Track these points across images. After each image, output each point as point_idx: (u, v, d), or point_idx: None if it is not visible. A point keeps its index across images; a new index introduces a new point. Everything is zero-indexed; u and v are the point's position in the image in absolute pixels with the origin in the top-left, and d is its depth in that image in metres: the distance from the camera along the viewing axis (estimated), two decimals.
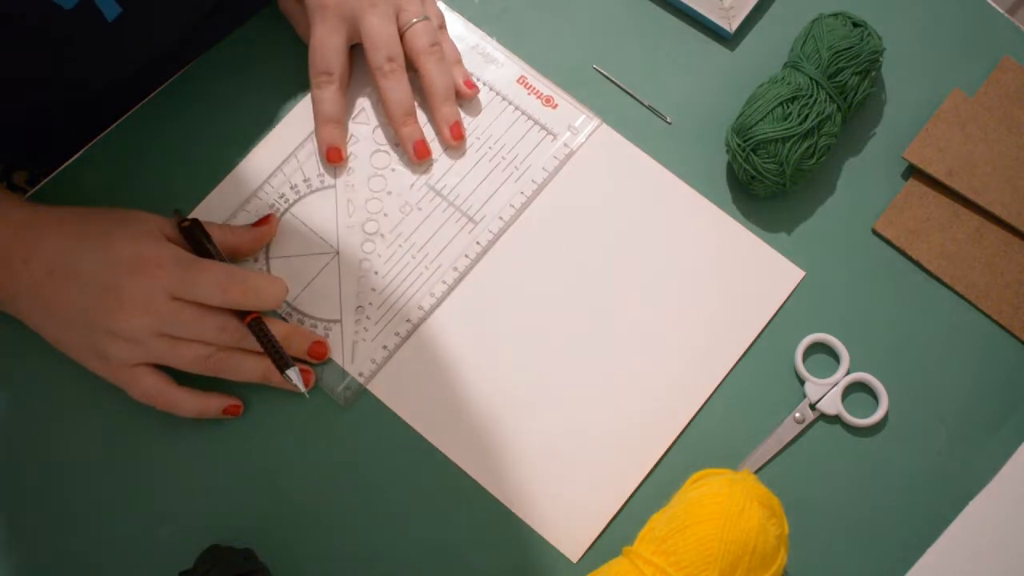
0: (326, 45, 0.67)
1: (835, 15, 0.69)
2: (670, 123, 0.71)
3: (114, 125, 0.70)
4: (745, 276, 0.68)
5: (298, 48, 0.70)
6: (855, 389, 0.66)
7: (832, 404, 0.65)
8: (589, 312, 0.67)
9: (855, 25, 0.69)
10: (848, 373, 0.66)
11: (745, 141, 0.66)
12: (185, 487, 0.63)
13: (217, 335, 0.61)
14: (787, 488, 0.61)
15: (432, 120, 0.70)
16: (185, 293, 0.60)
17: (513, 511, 0.63)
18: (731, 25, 0.72)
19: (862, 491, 0.64)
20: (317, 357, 0.64)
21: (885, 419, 0.65)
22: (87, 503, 0.63)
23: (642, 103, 0.72)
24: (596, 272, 0.68)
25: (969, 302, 0.68)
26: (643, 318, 0.67)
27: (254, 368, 0.63)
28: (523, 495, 0.63)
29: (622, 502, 0.63)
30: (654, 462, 0.64)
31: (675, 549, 0.56)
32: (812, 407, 0.65)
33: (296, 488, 0.63)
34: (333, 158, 0.68)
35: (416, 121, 0.69)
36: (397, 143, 0.70)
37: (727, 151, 0.68)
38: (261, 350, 0.62)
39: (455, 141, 0.69)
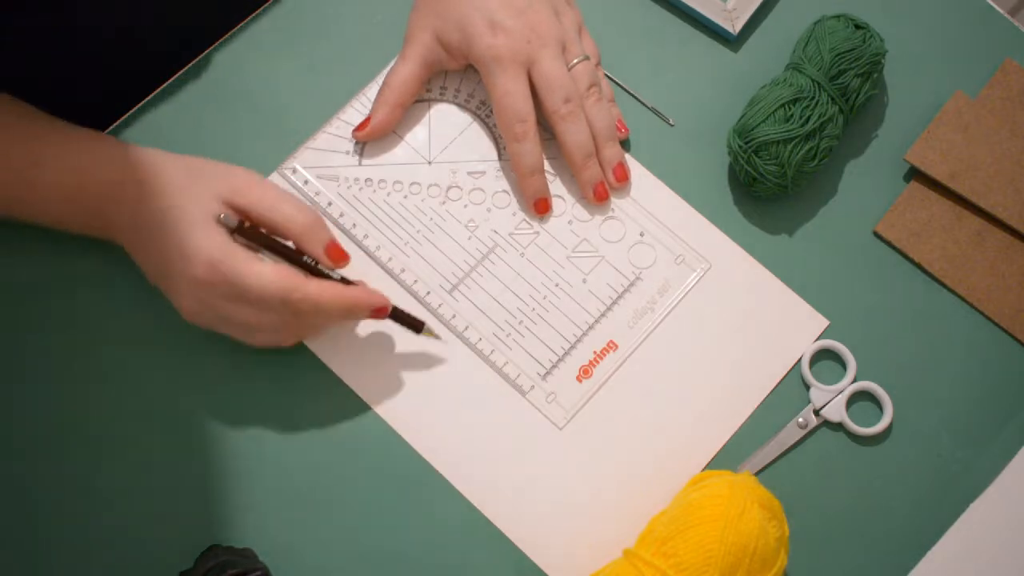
0: (514, 93, 0.65)
1: (837, 17, 0.69)
2: (673, 125, 0.71)
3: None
4: (768, 323, 0.67)
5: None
6: (860, 397, 0.66)
7: (836, 411, 0.65)
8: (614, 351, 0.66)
9: (857, 27, 0.69)
10: (855, 381, 0.66)
11: (747, 143, 0.66)
12: (185, 487, 0.63)
13: (283, 320, 0.61)
14: (788, 490, 0.61)
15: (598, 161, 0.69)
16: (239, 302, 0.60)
17: (512, 541, 0.63)
18: (734, 27, 0.72)
19: (863, 493, 0.64)
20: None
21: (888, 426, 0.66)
22: (87, 503, 0.63)
23: (645, 105, 0.72)
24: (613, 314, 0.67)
25: (971, 305, 0.68)
26: (660, 362, 0.66)
27: (328, 327, 0.64)
28: (529, 529, 0.63)
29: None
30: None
31: (675, 551, 0.56)
32: (816, 413, 0.65)
33: (296, 488, 0.63)
34: (542, 209, 0.68)
35: (596, 162, 0.68)
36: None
37: (729, 153, 0.68)
38: (322, 319, 0.63)
39: (619, 183, 0.68)
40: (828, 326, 0.67)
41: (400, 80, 0.68)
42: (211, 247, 0.58)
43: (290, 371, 0.65)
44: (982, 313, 0.68)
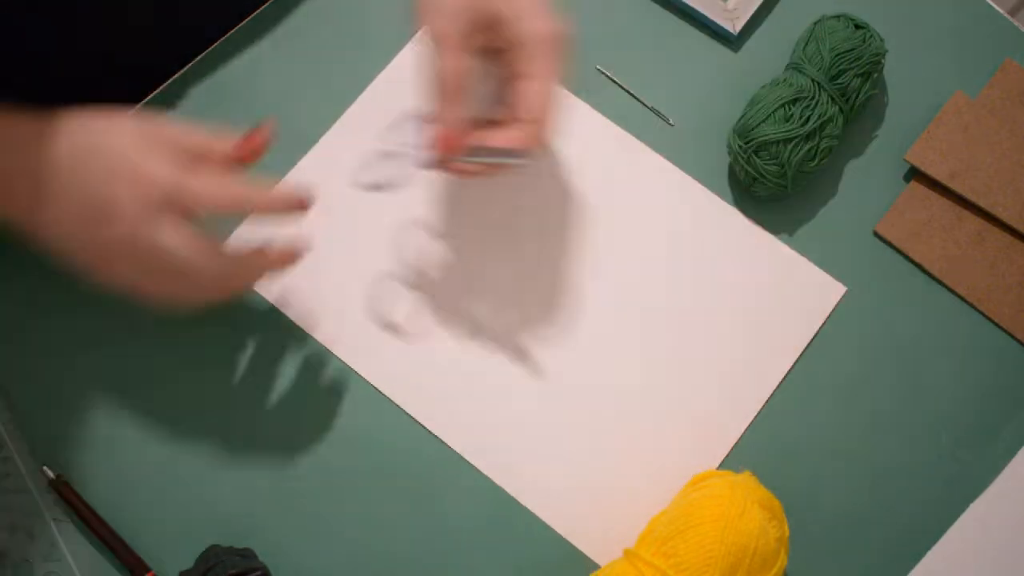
0: None
1: (837, 17, 0.69)
2: (673, 125, 0.71)
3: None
4: (786, 293, 0.67)
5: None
6: (857, 392, 0.66)
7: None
8: (627, 331, 0.67)
9: (857, 27, 0.69)
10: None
11: (747, 143, 0.66)
12: (185, 487, 0.63)
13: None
14: (788, 490, 0.61)
15: None
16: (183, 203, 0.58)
17: (538, 515, 0.63)
18: (735, 27, 0.72)
19: (863, 494, 0.64)
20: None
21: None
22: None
23: (645, 105, 0.72)
24: (631, 289, 0.67)
25: (970, 304, 0.68)
26: (683, 337, 0.67)
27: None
28: (550, 502, 0.63)
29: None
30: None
31: (676, 551, 0.56)
32: None
33: (296, 488, 0.63)
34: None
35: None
36: None
37: (729, 153, 0.68)
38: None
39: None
40: (846, 293, 0.67)
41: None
42: (165, 169, 0.58)
43: (291, 369, 0.65)
44: (982, 313, 0.68)
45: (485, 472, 0.64)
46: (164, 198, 0.57)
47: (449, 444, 0.64)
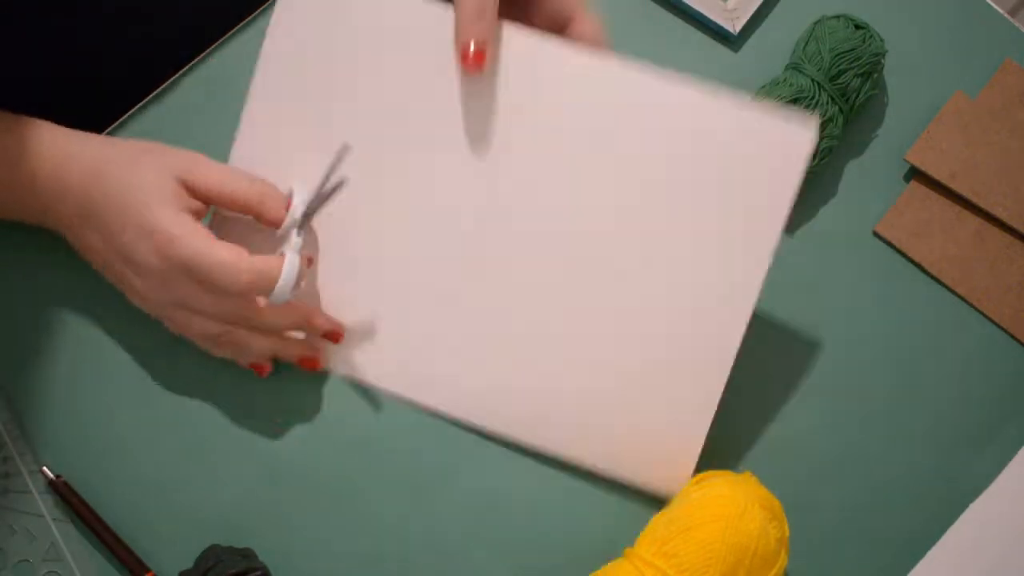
0: None
1: (837, 17, 0.69)
2: None
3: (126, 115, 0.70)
4: (747, 158, 0.59)
5: None
6: (854, 391, 0.66)
7: None
8: (596, 237, 0.61)
9: (857, 27, 0.69)
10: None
11: None
12: (184, 486, 0.63)
13: (235, 314, 0.61)
14: (787, 491, 0.61)
15: None
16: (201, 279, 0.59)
17: (567, 455, 0.63)
18: (735, 27, 0.72)
19: (862, 494, 0.64)
20: (334, 341, 0.64)
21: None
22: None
23: None
24: (589, 195, 0.61)
25: (970, 305, 0.68)
26: (657, 229, 0.60)
27: (264, 349, 0.62)
28: (576, 441, 0.62)
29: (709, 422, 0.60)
30: (724, 380, 0.60)
31: (676, 551, 0.56)
32: None
33: (296, 487, 0.63)
34: (477, 61, 0.59)
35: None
36: None
37: None
38: (271, 329, 0.62)
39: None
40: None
41: None
42: (171, 222, 0.58)
43: (291, 370, 0.65)
44: (982, 313, 0.68)
45: (504, 432, 0.63)
46: (178, 256, 0.58)
47: (453, 414, 0.64)
